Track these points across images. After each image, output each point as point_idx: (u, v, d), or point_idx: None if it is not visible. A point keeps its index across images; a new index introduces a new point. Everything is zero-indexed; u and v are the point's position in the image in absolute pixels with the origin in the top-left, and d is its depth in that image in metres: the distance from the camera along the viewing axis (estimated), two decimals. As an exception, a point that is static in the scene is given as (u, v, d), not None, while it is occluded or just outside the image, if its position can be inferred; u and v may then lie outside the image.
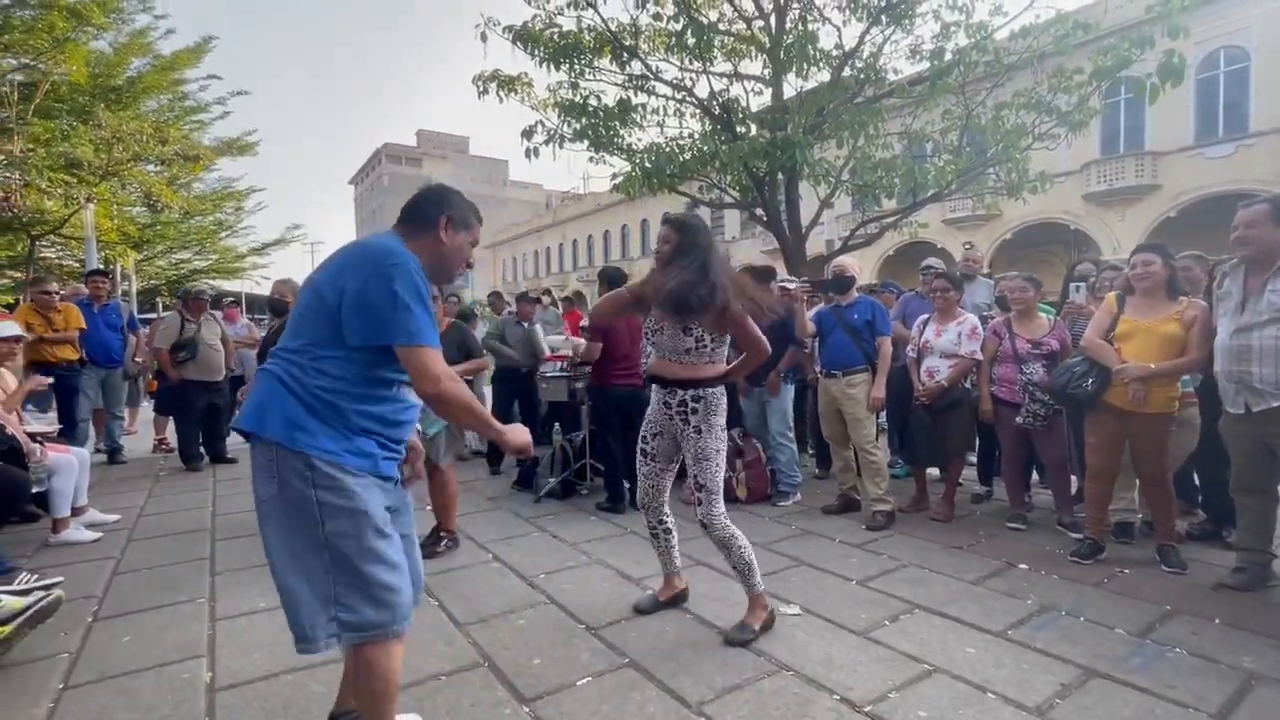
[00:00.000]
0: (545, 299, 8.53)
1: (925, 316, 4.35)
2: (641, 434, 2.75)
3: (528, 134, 7.14)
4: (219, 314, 6.71)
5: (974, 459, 5.00)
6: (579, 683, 2.28)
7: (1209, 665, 2.35)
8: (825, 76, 7.10)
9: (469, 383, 3.83)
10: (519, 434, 1.80)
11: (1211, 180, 16.36)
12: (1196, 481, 4.01)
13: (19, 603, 2.47)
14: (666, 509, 2.79)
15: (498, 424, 1.74)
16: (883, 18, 6.73)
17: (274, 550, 1.60)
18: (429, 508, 3.82)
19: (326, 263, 1.68)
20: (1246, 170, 15.70)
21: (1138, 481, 3.66)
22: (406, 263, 1.60)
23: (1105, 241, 17.99)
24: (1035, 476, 4.63)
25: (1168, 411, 3.24)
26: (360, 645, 1.62)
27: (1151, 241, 3.54)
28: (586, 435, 5.06)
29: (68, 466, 3.82)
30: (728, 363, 2.67)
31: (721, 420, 2.60)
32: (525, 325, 6.07)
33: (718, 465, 2.58)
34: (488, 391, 6.21)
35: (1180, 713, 2.06)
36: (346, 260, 1.63)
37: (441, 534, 3.71)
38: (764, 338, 2.63)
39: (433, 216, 1.77)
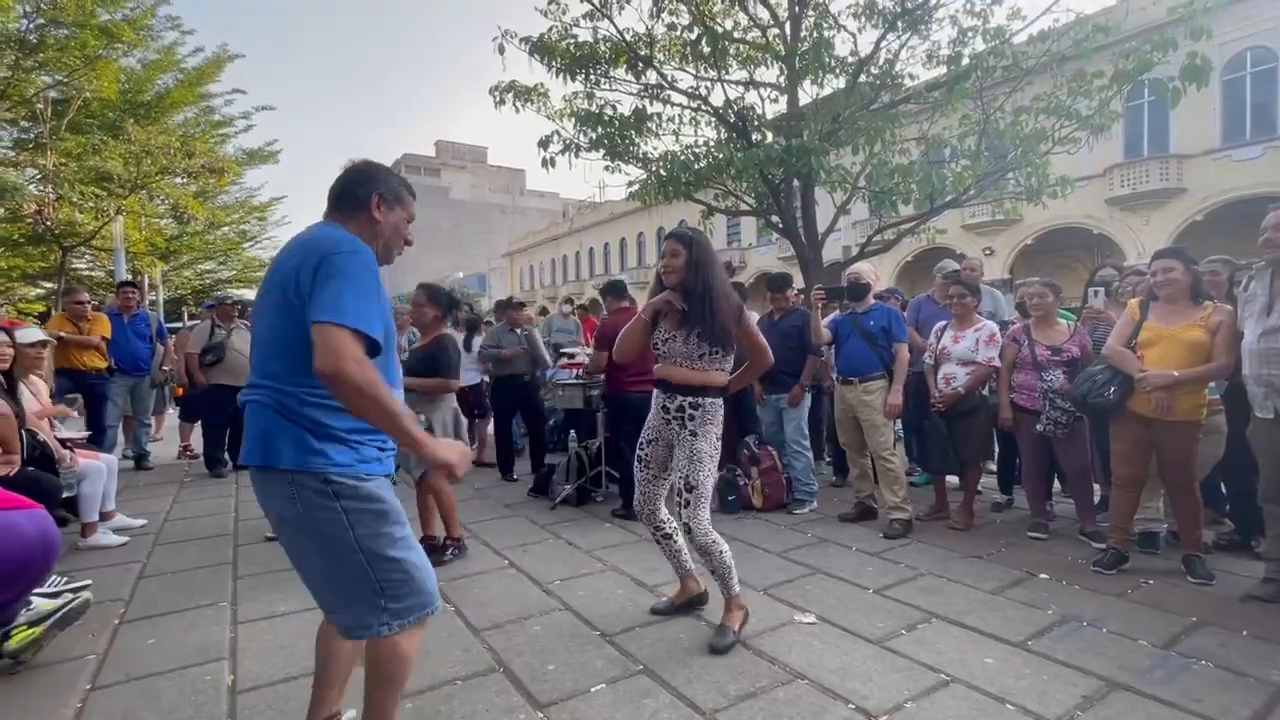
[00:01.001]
0: (565, 308, 8.56)
1: (943, 324, 4.31)
2: (639, 440, 2.78)
3: (544, 144, 7.22)
4: (248, 323, 6.86)
5: (993, 467, 4.94)
6: (593, 689, 2.29)
7: (1236, 678, 2.29)
8: (841, 83, 7.10)
9: (429, 402, 3.74)
10: (445, 449, 1.61)
11: (1239, 183, 16.03)
12: (1224, 490, 3.93)
13: (50, 604, 2.54)
14: (662, 516, 2.79)
15: (416, 431, 1.53)
16: (899, 24, 6.73)
17: (308, 567, 1.66)
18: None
19: (270, 280, 1.61)
20: (1275, 172, 15.36)
21: (1163, 490, 3.59)
22: (357, 249, 1.55)
23: (1130, 246, 17.68)
24: (1057, 485, 4.56)
25: (1194, 419, 3.18)
26: (394, 634, 1.65)
27: (1172, 246, 3.47)
28: (602, 443, 5.08)
29: (96, 472, 3.92)
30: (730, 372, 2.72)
31: (717, 431, 2.64)
32: (519, 331, 5.98)
33: (708, 471, 2.60)
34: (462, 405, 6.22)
35: (1206, 727, 2.02)
36: (293, 265, 1.53)
37: (446, 543, 3.73)
38: (768, 347, 2.73)
39: (362, 196, 1.71)
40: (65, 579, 2.81)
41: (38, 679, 2.41)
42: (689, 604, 2.91)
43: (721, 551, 2.59)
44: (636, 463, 2.78)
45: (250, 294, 19.60)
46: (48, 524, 2.01)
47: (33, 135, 12.60)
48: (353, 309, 1.46)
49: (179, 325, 11.98)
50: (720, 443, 2.66)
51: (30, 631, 2.43)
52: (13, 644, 2.40)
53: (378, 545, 1.61)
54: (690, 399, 2.58)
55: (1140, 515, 3.56)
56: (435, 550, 3.64)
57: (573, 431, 5.09)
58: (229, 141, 16.77)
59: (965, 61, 6.70)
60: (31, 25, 11.24)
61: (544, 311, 9.13)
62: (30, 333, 4.03)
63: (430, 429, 3.65)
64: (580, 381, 5.35)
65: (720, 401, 2.64)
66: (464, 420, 3.95)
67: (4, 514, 1.90)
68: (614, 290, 4.87)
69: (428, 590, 1.69)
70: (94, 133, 13.02)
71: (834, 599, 3.06)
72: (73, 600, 2.58)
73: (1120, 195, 17.85)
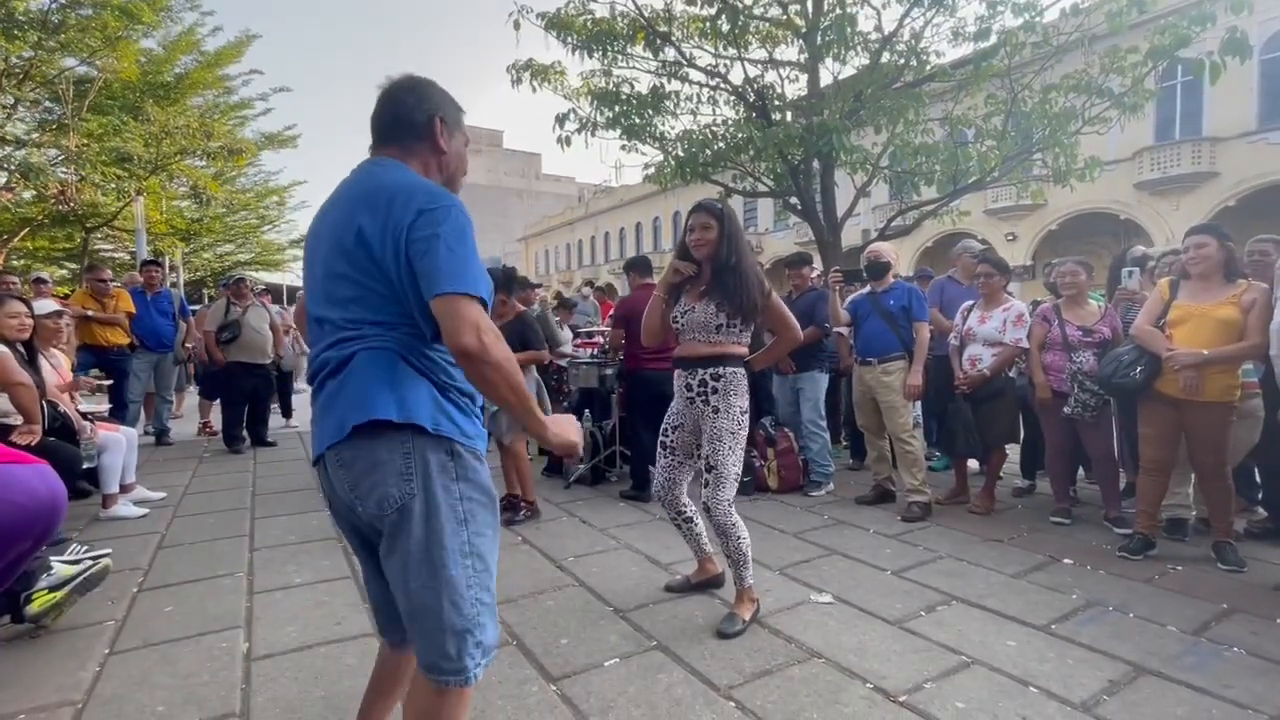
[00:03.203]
0: (586, 289, 8.56)
1: (969, 303, 4.21)
2: (663, 426, 2.73)
3: (560, 121, 7.14)
4: (264, 300, 6.91)
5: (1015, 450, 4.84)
6: (606, 663, 2.27)
7: (1270, 666, 2.22)
8: (863, 61, 6.93)
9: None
10: (566, 428, 1.43)
11: (1275, 167, 15.53)
12: (1257, 478, 3.81)
13: (70, 570, 2.56)
14: (683, 501, 2.74)
15: (541, 414, 1.35)
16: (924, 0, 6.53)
17: (414, 568, 1.27)
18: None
19: (347, 214, 1.31)
20: (1314, 156, 14.88)
21: (1192, 476, 3.49)
22: (454, 200, 1.29)
23: (1158, 232, 17.24)
24: (1081, 471, 4.46)
25: (1227, 400, 3.07)
26: (454, 686, 1.31)
27: (1207, 223, 3.34)
28: (616, 422, 5.05)
29: (116, 444, 3.96)
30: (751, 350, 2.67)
31: (741, 403, 2.56)
32: (534, 308, 6.00)
33: (730, 449, 2.52)
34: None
35: (1239, 713, 1.95)
36: (374, 222, 1.27)
37: (520, 504, 3.93)
38: (796, 323, 2.67)
39: (421, 122, 1.41)
40: (85, 548, 2.83)
41: (58, 642, 2.44)
42: (705, 584, 2.88)
43: (740, 537, 2.53)
44: (660, 447, 2.72)
45: (268, 276, 19.83)
46: (52, 478, 2.01)
47: (55, 116, 12.73)
48: (473, 274, 1.24)
49: (199, 307, 12.11)
50: (746, 418, 2.59)
51: (51, 596, 2.46)
52: (34, 608, 2.42)
53: (484, 550, 1.33)
54: (711, 370, 2.53)
55: (1169, 501, 3.47)
56: (511, 509, 3.90)
57: (587, 411, 5.08)
58: (247, 124, 16.86)
59: (993, 38, 6.50)
60: (54, 5, 11.32)
61: (559, 299, 9.09)
62: (47, 304, 4.06)
63: None
64: (596, 360, 5.32)
65: (741, 371, 2.58)
66: (544, 391, 4.13)
67: (4, 466, 1.90)
68: (638, 266, 4.77)
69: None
70: (115, 114, 13.11)
71: (851, 580, 3.01)
72: (92, 567, 2.60)
73: (1150, 179, 17.40)
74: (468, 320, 1.20)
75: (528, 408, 1.31)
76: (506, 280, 4.02)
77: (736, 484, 2.57)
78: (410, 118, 1.41)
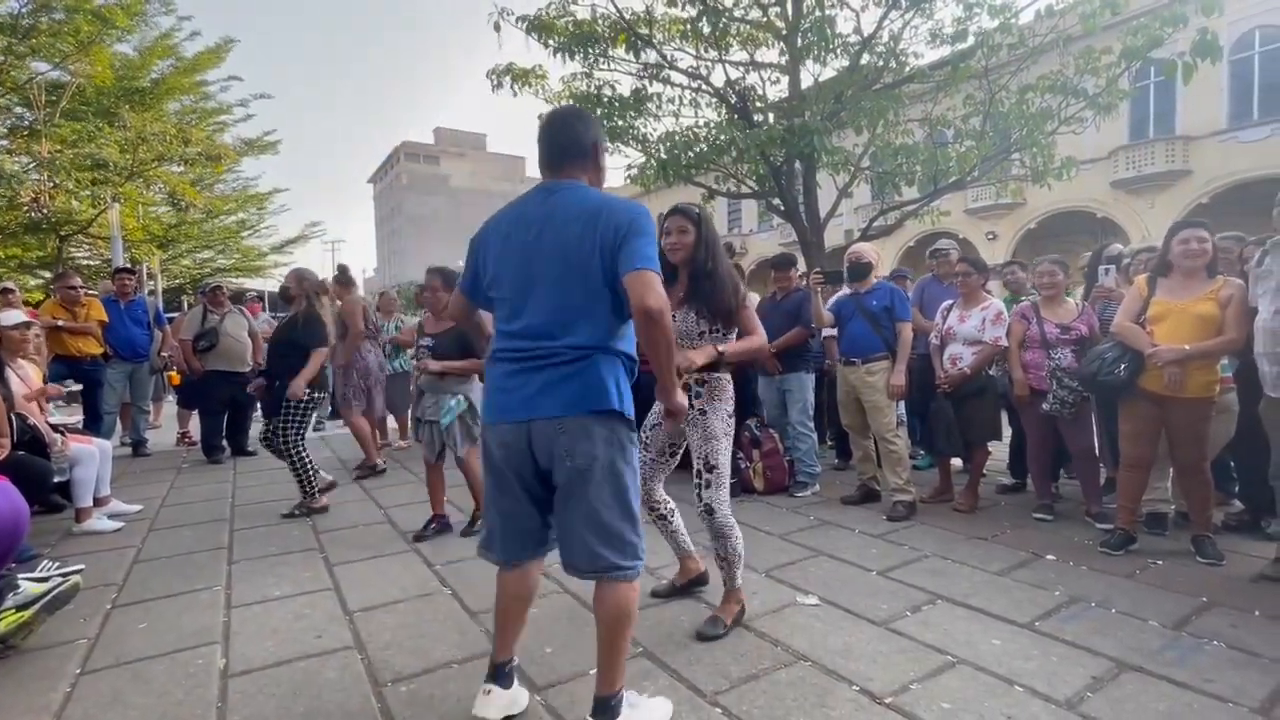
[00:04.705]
0: None
1: (949, 303, 4.24)
2: (643, 424, 2.70)
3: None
4: (243, 308, 6.78)
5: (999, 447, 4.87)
6: (591, 671, 2.21)
7: (1250, 659, 2.24)
8: (843, 63, 6.97)
9: (465, 381, 3.76)
10: (681, 397, 1.88)
11: (1246, 165, 15.85)
12: (1234, 471, 3.87)
13: (39, 589, 2.49)
14: (659, 496, 2.72)
15: (674, 379, 1.80)
16: (902, 1, 6.58)
17: (608, 504, 1.75)
18: (446, 499, 3.82)
19: (550, 248, 1.73)
20: (1283, 154, 15.19)
21: (1171, 471, 3.53)
22: (643, 208, 1.75)
23: (1134, 230, 17.52)
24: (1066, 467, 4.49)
25: (1207, 396, 3.11)
26: (623, 580, 1.79)
27: (1193, 218, 3.38)
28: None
29: (89, 457, 3.87)
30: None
31: (727, 407, 2.56)
32: None
33: (726, 448, 2.52)
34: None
35: (1220, 707, 1.97)
36: (592, 236, 1.69)
37: (479, 517, 3.79)
38: (763, 331, 2.64)
39: (588, 146, 1.82)
40: (57, 564, 2.76)
41: (27, 663, 2.37)
42: (689, 585, 2.86)
43: (737, 539, 2.53)
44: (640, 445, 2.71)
45: (249, 282, 19.56)
46: (13, 494, 1.96)
47: (27, 122, 12.49)
48: (654, 257, 1.68)
49: (178, 314, 11.92)
50: (733, 421, 2.59)
51: (18, 616, 2.39)
52: (1, 628, 2.35)
53: (636, 488, 1.84)
54: (696, 375, 2.51)
55: (1148, 496, 3.51)
56: (440, 526, 3.80)
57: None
58: (227, 130, 16.66)
59: (970, 39, 6.57)
60: (24, 9, 11.11)
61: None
62: (12, 315, 3.96)
63: (471, 406, 3.67)
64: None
65: (728, 376, 2.57)
66: None
67: None
68: None
69: None
70: (89, 119, 12.89)
71: (837, 581, 3.01)
72: (62, 584, 2.53)
73: (1125, 178, 17.69)
74: (652, 288, 1.62)
75: (673, 365, 1.75)
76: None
77: (729, 480, 2.57)
78: (581, 143, 1.82)
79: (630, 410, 1.78)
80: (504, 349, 1.80)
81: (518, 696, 2.00)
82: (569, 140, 1.80)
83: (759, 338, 2.60)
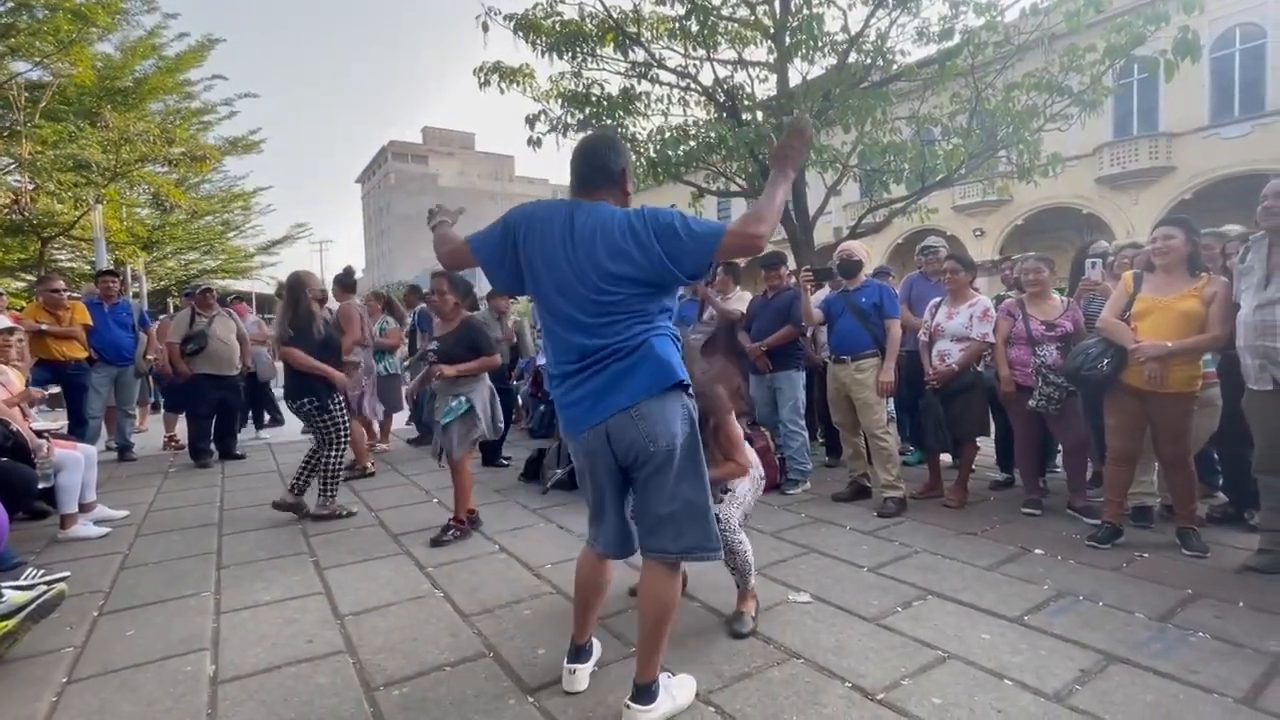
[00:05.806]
0: None
1: (937, 300, 4.26)
2: None
3: (531, 122, 7.09)
4: (231, 310, 6.72)
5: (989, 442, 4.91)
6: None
7: (1234, 649, 2.28)
8: (831, 62, 6.99)
9: (470, 382, 3.74)
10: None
11: (1227, 161, 16.03)
12: (1217, 464, 3.92)
13: (23, 597, 2.46)
14: None
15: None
16: (889, 0, 6.61)
17: (689, 481, 1.83)
18: (436, 501, 3.80)
19: (580, 265, 1.81)
20: (1264, 150, 15.36)
21: (1156, 464, 3.57)
22: (667, 210, 1.84)
23: (1119, 225, 17.68)
24: (1059, 460, 4.53)
25: (1189, 391, 3.15)
26: (678, 561, 1.89)
27: (1175, 216, 3.43)
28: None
29: (74, 463, 3.82)
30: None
31: (755, 473, 2.65)
32: (507, 320, 6.01)
33: (747, 488, 2.62)
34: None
35: (1205, 698, 2.00)
36: (628, 242, 1.78)
37: (451, 523, 3.71)
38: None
39: (615, 171, 1.91)
40: (41, 571, 2.72)
41: (12, 673, 2.34)
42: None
43: (746, 551, 2.55)
44: None
45: (236, 284, 19.38)
46: None
47: (7, 123, 12.28)
48: (716, 222, 1.84)
49: (164, 316, 11.79)
50: (763, 482, 2.69)
51: (2, 624, 2.35)
52: (-15, 638, 2.32)
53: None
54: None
55: (1134, 489, 3.55)
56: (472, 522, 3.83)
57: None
58: (211, 130, 16.47)
59: (956, 37, 6.61)
60: (2, 8, 10.93)
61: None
62: (-2, 320, 3.90)
63: (472, 409, 3.65)
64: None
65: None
66: (497, 398, 3.96)
67: None
68: None
69: None
70: (70, 120, 12.70)
71: (829, 578, 3.03)
72: (46, 592, 2.49)
73: (1110, 174, 17.84)
74: (737, 230, 1.75)
75: (780, 206, 1.84)
76: (467, 289, 4.02)
77: (744, 500, 2.63)
78: (609, 168, 1.92)
79: (687, 380, 1.86)
80: (562, 362, 1.90)
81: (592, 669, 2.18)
82: (600, 165, 1.91)
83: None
